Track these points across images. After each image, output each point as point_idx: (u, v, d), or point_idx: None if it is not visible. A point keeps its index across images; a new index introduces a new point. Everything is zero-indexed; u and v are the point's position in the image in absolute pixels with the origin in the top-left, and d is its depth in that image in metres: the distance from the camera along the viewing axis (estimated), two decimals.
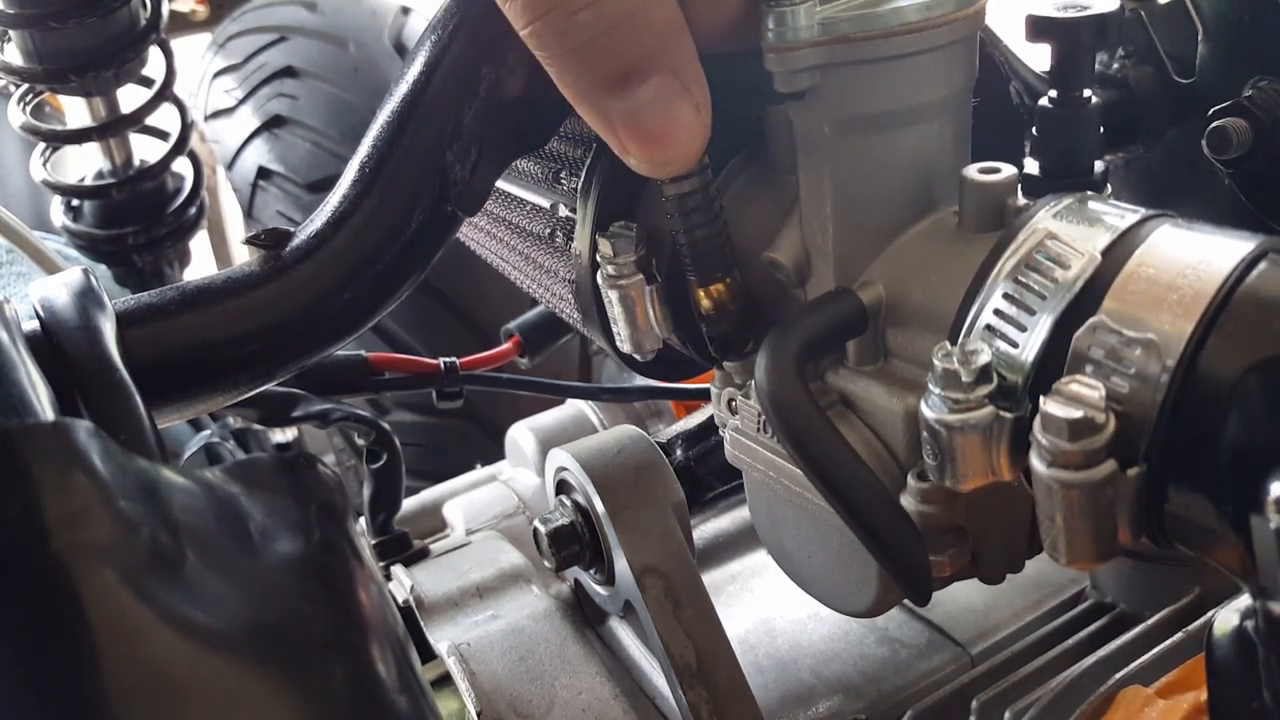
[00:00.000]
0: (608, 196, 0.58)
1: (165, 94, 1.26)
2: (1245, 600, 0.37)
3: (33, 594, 0.30)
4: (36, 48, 1.15)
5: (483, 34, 0.50)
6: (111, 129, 1.25)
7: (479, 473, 1.01)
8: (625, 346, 0.58)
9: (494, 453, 1.02)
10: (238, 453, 1.34)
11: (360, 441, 0.85)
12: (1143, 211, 0.44)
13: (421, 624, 0.76)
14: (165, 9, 1.22)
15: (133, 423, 0.43)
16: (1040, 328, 0.42)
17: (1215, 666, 0.38)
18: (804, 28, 0.46)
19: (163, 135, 1.33)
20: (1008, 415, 0.42)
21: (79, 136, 1.26)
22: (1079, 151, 0.56)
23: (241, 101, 1.78)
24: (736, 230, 0.54)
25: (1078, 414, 0.37)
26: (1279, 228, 0.64)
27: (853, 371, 0.52)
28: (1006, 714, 0.59)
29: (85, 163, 1.35)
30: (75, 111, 1.32)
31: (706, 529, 0.85)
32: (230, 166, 1.76)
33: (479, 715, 0.67)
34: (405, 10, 1.86)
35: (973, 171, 0.48)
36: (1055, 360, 0.41)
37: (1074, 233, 0.43)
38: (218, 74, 1.85)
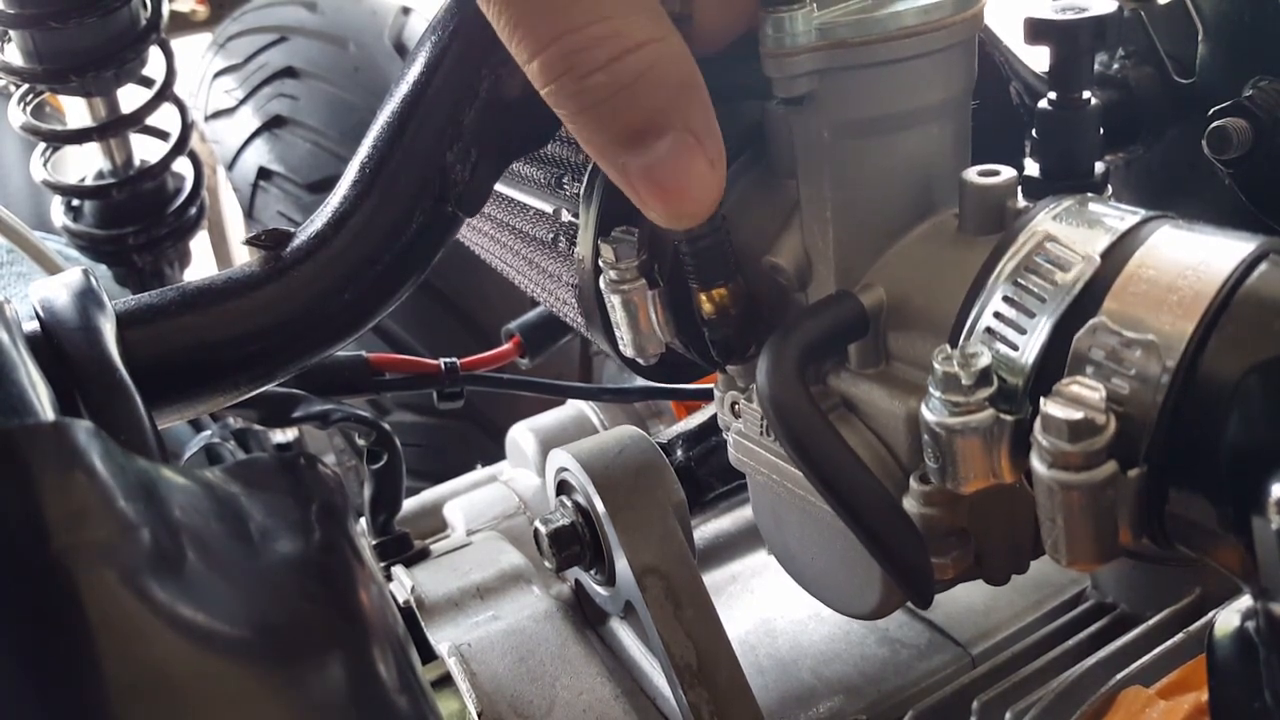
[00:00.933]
0: (610, 202, 0.58)
1: (165, 94, 1.26)
2: (1246, 601, 0.37)
3: (33, 594, 0.30)
4: (36, 48, 1.15)
5: (483, 35, 0.50)
6: (111, 129, 1.25)
7: (479, 473, 1.01)
8: (628, 351, 0.58)
9: (494, 453, 1.02)
10: (238, 453, 1.34)
11: (361, 442, 0.85)
12: (1142, 213, 0.44)
13: (422, 624, 0.76)
14: (165, 9, 1.22)
15: (133, 423, 0.43)
16: (1040, 330, 0.42)
17: (1216, 667, 0.38)
18: (802, 33, 0.46)
19: (163, 135, 1.33)
20: (1008, 417, 0.42)
21: (79, 136, 1.26)
22: (1079, 153, 0.56)
23: (242, 102, 1.78)
24: (737, 234, 0.54)
25: (1078, 415, 0.37)
26: (1279, 228, 0.64)
27: (854, 374, 0.52)
28: (1007, 715, 0.59)
29: (85, 163, 1.35)
30: (75, 111, 1.32)
31: (707, 529, 0.85)
32: (230, 166, 1.76)
33: (479, 716, 0.67)
34: (405, 10, 1.86)
35: (972, 174, 0.48)
36: (1055, 362, 0.41)
37: (1073, 235, 0.43)
38: (218, 74, 1.85)
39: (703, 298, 0.54)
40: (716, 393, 0.62)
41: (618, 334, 0.58)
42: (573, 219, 0.62)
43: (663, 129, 0.43)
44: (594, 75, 0.42)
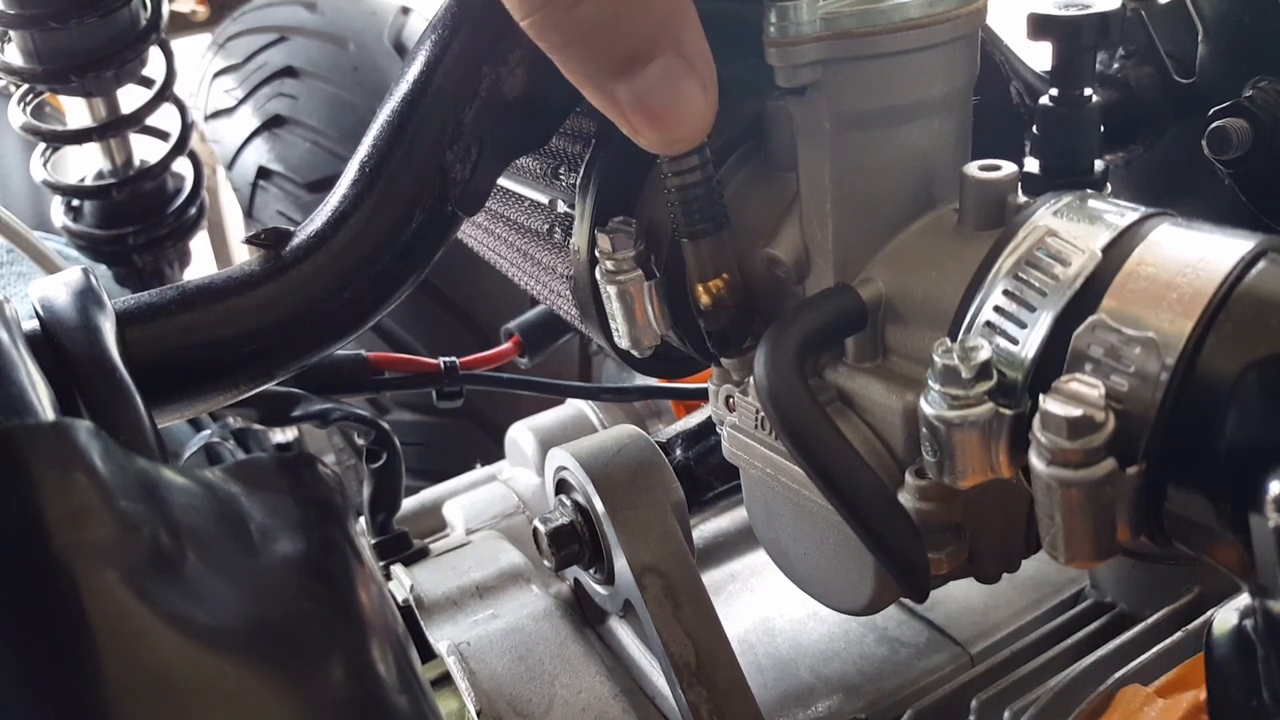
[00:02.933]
0: (606, 192, 0.58)
1: (165, 94, 1.27)
2: (1244, 599, 0.37)
3: (33, 594, 0.30)
4: (37, 48, 1.16)
5: (483, 33, 0.50)
6: (112, 129, 1.25)
7: (479, 472, 1.01)
8: (623, 343, 0.58)
9: (494, 452, 1.02)
10: (238, 453, 1.34)
11: (360, 441, 0.85)
12: (1142, 210, 0.44)
13: (421, 623, 0.76)
14: (165, 9, 1.22)
15: (133, 423, 0.43)
16: (1040, 325, 0.42)
17: (1214, 665, 0.38)
18: (806, 22, 0.46)
19: (163, 135, 1.33)
20: (1007, 412, 0.42)
21: (79, 137, 1.26)
22: (1079, 150, 0.56)
23: (241, 101, 1.78)
24: (736, 226, 0.54)
25: (1077, 412, 0.37)
26: (1279, 228, 0.65)
27: (851, 368, 0.52)
28: (1006, 713, 0.59)
29: (85, 163, 1.35)
30: (75, 112, 1.33)
31: (706, 528, 0.85)
32: (230, 166, 1.76)
33: (479, 714, 0.67)
34: (405, 10, 1.86)
35: (973, 169, 0.48)
36: (1055, 358, 0.41)
37: (1074, 230, 0.43)
38: (218, 74, 1.85)
39: (699, 289, 0.54)
40: (711, 387, 0.62)
41: (613, 326, 0.58)
42: (569, 210, 0.62)
43: (652, 54, 0.42)
44: (582, 4, 0.40)
